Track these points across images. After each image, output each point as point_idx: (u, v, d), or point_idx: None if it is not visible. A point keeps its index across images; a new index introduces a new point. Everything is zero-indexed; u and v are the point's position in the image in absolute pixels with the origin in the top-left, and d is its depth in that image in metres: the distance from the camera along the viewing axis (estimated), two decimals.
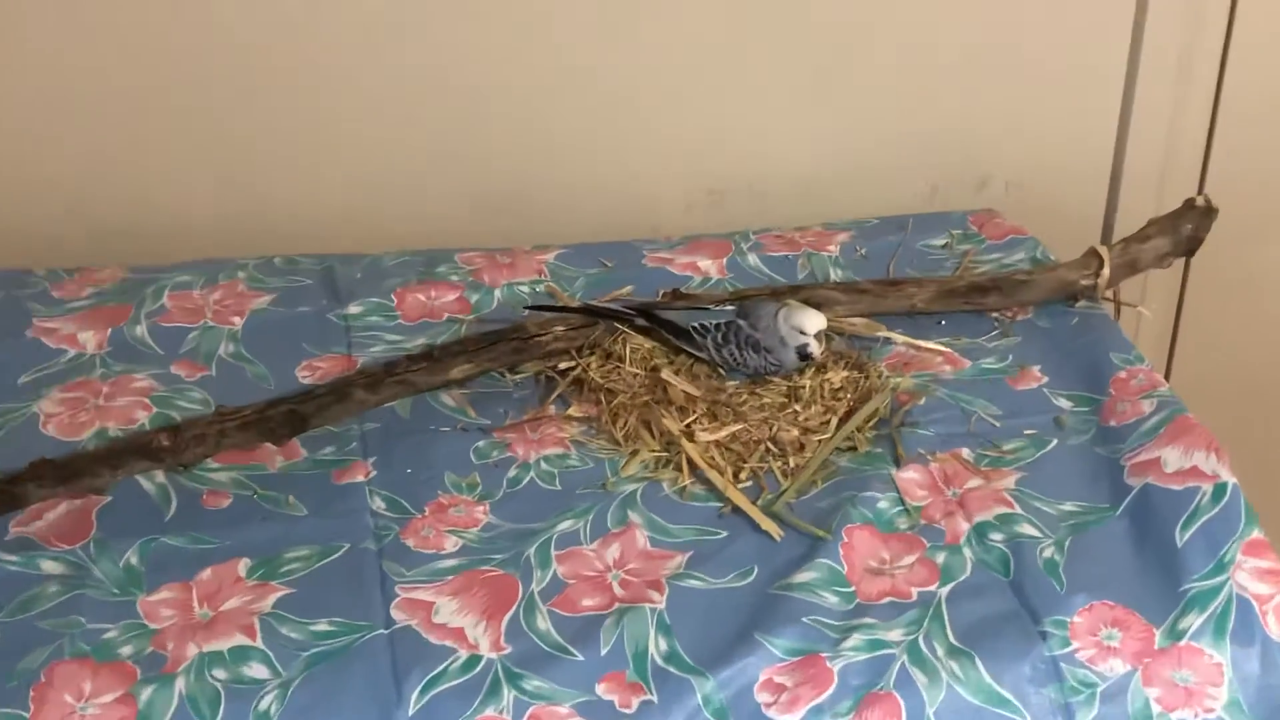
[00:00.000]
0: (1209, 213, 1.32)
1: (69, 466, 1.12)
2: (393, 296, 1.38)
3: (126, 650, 0.98)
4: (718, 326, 1.23)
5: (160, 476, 1.15)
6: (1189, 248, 1.33)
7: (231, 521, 1.10)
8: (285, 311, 1.36)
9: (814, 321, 1.21)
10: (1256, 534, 1.03)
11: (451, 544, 1.10)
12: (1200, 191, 1.53)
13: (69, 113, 1.46)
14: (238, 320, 1.34)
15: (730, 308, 1.26)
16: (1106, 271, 1.32)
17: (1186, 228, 1.32)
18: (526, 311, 1.34)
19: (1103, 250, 1.32)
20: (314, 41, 1.44)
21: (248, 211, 1.52)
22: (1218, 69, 1.53)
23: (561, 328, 1.29)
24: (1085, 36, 1.50)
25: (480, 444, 1.21)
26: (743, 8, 1.47)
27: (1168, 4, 1.49)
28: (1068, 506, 1.11)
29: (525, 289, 1.40)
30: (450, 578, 1.05)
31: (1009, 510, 1.11)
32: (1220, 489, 1.07)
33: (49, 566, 1.05)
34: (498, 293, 1.40)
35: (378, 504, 1.13)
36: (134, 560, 1.06)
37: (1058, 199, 1.58)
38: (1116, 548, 1.06)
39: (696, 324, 1.24)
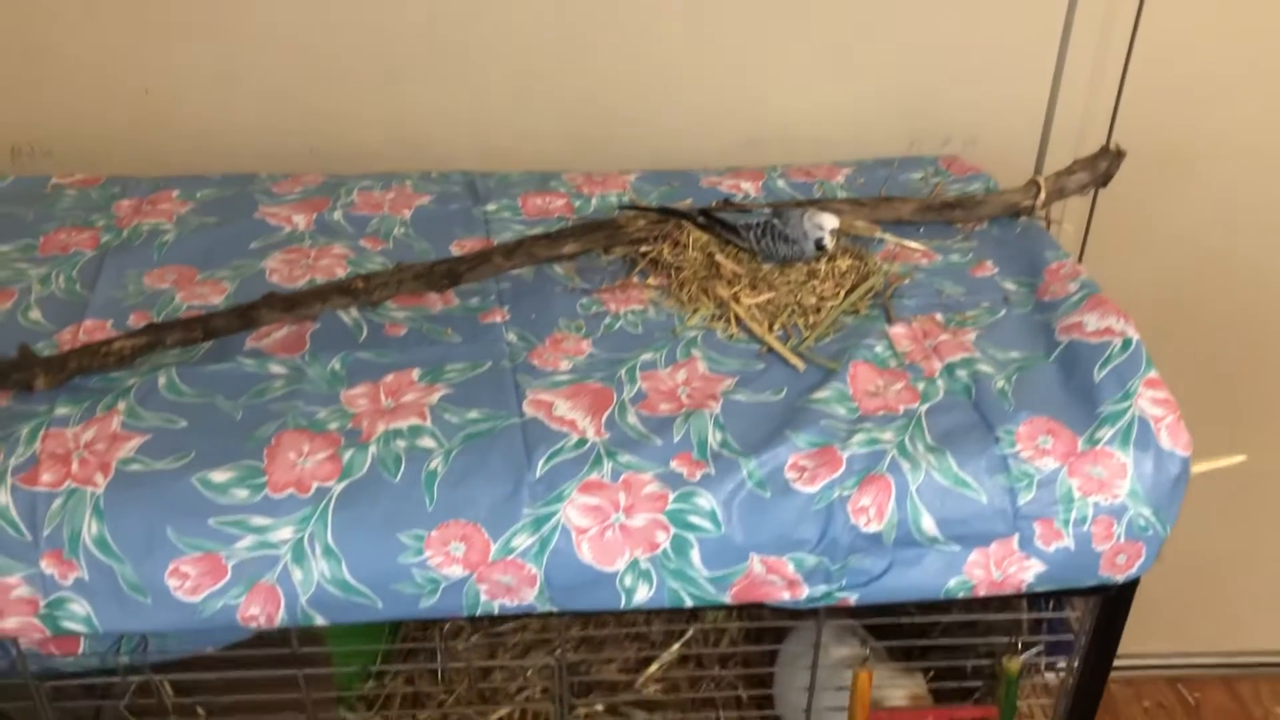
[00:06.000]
0: (1119, 155, 1.27)
1: (291, 299, 1.08)
2: (519, 200, 1.33)
3: (334, 425, 0.96)
4: (759, 224, 1.17)
5: (355, 311, 1.12)
6: (1103, 181, 1.28)
7: (406, 345, 1.07)
8: (440, 208, 1.30)
9: (830, 221, 1.15)
10: (1153, 374, 1.00)
11: (565, 365, 1.06)
12: (1110, 141, 1.50)
13: (304, 77, 1.45)
14: (407, 212, 1.29)
15: (768, 211, 1.19)
16: (1043, 195, 1.26)
17: (1102, 165, 1.27)
18: (618, 210, 1.28)
19: (1041, 180, 1.27)
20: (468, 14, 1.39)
21: (412, 139, 1.48)
22: (1124, 58, 1.47)
23: (643, 222, 1.23)
24: (1026, 34, 1.46)
25: (584, 300, 1.17)
26: (782, 10, 1.43)
27: (1090, 12, 1.43)
28: (1013, 355, 1.07)
29: (614, 199, 1.33)
30: (565, 387, 1.03)
31: (970, 355, 1.07)
32: (1127, 342, 1.03)
33: (275, 369, 1.04)
34: (594, 200, 1.33)
35: (511, 337, 1.09)
36: (337, 367, 1.04)
37: (1001, 152, 1.48)
38: (1050, 383, 1.03)
39: (743, 222, 1.18)
